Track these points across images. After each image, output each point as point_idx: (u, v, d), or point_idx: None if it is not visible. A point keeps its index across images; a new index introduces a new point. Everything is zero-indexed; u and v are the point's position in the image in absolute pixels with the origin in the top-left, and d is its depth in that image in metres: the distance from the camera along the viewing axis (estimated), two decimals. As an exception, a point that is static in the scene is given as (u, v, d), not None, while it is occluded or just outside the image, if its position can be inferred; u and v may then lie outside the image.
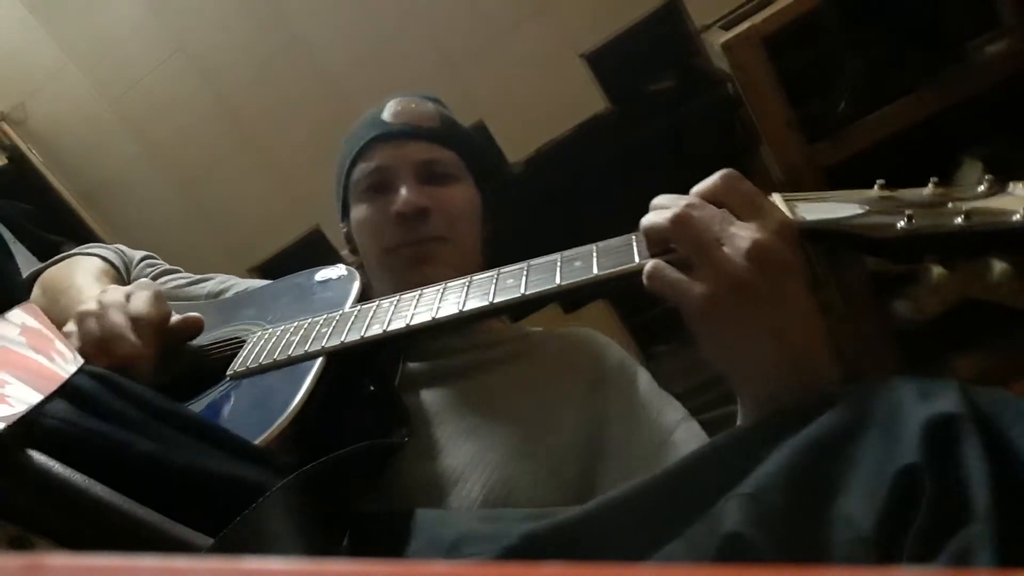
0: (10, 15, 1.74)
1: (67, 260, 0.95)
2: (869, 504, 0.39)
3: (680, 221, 0.50)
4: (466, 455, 0.70)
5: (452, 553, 0.53)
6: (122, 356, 0.67)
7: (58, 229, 1.82)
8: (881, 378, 0.46)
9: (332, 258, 1.79)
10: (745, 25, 1.26)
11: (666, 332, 1.71)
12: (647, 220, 0.53)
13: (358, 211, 0.89)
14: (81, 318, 0.70)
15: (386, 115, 0.90)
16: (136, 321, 0.70)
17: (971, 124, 1.30)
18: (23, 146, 1.81)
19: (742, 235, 0.48)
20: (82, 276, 0.88)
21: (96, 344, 0.68)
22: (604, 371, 0.81)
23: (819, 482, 0.42)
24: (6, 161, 1.79)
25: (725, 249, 0.49)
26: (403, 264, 0.85)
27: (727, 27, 1.38)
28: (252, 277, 1.84)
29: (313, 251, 1.84)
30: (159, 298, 0.74)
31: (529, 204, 1.62)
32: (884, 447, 0.41)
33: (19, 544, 0.44)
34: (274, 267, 1.87)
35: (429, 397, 0.76)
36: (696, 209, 0.50)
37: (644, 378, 0.82)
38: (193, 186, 1.87)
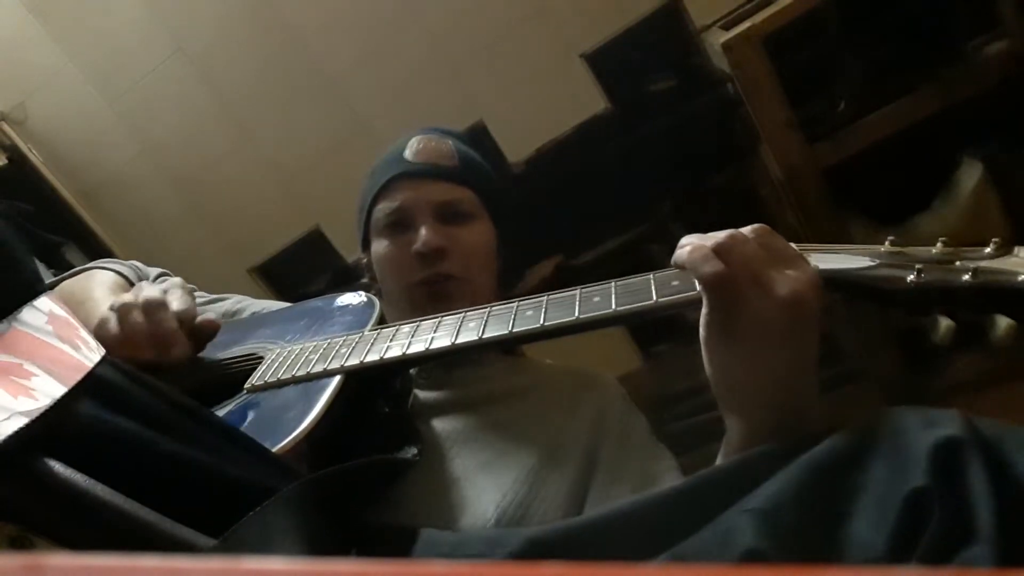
0: (10, 15, 1.74)
1: (84, 273, 0.96)
2: (879, 526, 0.41)
3: (724, 248, 0.51)
4: (479, 489, 0.71)
5: (453, 555, 0.53)
6: (175, 358, 0.69)
7: (58, 229, 1.82)
8: (885, 408, 0.48)
9: (332, 258, 1.80)
10: (745, 25, 1.26)
11: (666, 332, 1.71)
12: (683, 251, 0.53)
13: (379, 245, 0.93)
14: (125, 310, 0.70)
15: (408, 153, 0.94)
16: (181, 321, 0.71)
17: (971, 124, 1.30)
18: (23, 146, 1.81)
19: (782, 280, 0.50)
20: (100, 290, 0.88)
21: (146, 340, 0.69)
22: (606, 416, 0.83)
23: (828, 504, 0.43)
24: (6, 161, 1.78)
25: (767, 280, 0.50)
26: (420, 300, 0.88)
27: (727, 27, 1.38)
28: (252, 277, 1.87)
29: (313, 251, 1.84)
30: (192, 295, 0.76)
31: (529, 204, 1.62)
32: (892, 471, 0.42)
33: (19, 544, 0.44)
34: (274, 267, 1.87)
35: (441, 426, 0.78)
36: (738, 241, 0.51)
37: (641, 427, 0.85)
38: (193, 186, 1.87)
